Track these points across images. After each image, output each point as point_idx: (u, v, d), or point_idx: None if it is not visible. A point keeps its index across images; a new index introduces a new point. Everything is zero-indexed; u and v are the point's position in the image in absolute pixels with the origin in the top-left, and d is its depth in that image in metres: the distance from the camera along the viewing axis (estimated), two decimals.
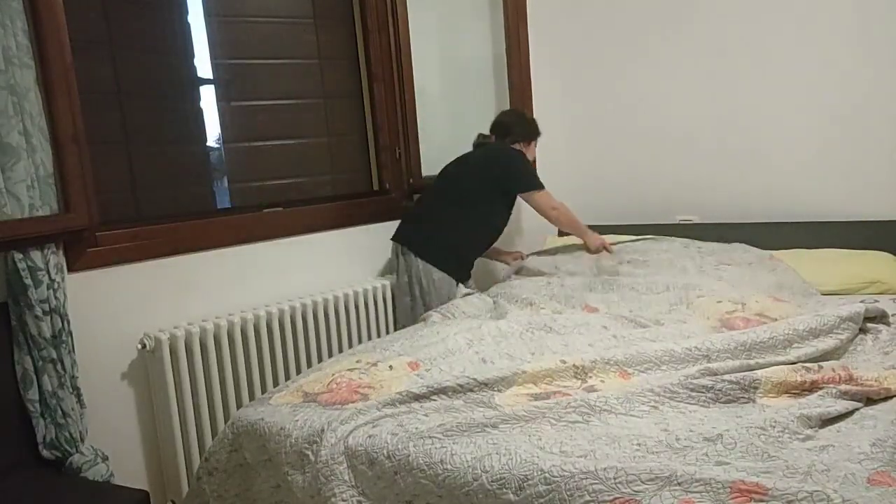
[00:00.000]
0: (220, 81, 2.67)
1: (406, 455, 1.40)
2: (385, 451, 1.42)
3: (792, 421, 1.38)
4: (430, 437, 1.42)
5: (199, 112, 2.66)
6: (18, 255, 1.74)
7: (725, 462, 1.27)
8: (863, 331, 1.90)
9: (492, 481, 1.29)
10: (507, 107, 3.21)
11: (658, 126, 3.17)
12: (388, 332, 2.80)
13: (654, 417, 1.47)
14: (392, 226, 2.94)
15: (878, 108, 2.68)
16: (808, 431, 1.37)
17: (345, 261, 2.79)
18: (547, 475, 1.25)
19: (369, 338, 2.73)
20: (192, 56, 2.61)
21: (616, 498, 1.18)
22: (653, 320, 2.16)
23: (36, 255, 1.77)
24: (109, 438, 2.01)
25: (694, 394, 1.52)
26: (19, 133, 1.73)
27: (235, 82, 2.69)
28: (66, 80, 1.87)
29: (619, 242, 2.89)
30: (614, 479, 1.20)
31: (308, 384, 1.79)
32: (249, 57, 2.72)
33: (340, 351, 2.61)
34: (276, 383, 2.37)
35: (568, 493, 1.21)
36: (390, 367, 1.83)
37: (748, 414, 1.44)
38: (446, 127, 3.23)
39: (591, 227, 3.18)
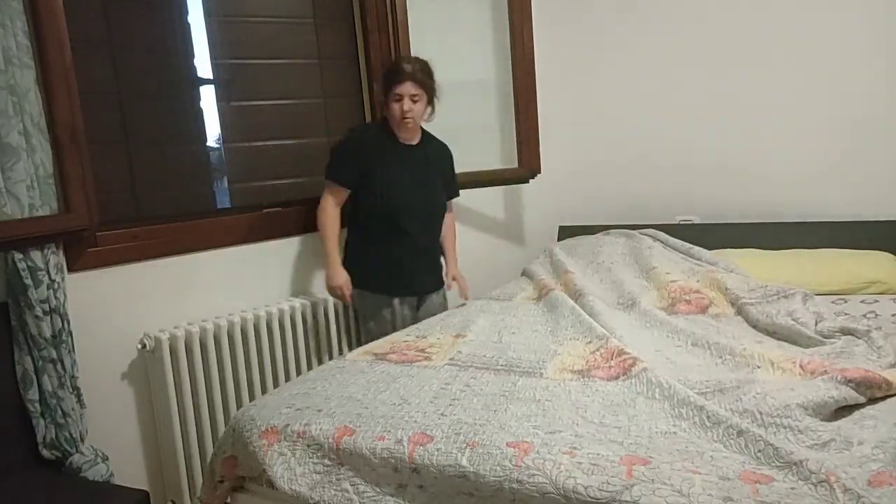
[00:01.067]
0: (220, 81, 2.67)
1: None
2: None
3: (791, 412, 1.39)
4: None
5: (199, 112, 2.65)
6: (18, 255, 1.74)
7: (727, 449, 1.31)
8: (856, 335, 1.91)
9: None
10: (510, 107, 3.18)
11: (658, 126, 3.17)
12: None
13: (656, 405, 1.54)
14: None
15: (879, 107, 2.68)
16: (808, 421, 1.38)
17: None
18: None
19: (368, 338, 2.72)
20: (192, 56, 2.61)
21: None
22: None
23: (36, 255, 1.77)
24: (109, 438, 2.01)
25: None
26: (19, 133, 1.73)
27: (235, 82, 2.68)
28: (66, 80, 1.87)
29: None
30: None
31: (374, 349, 2.09)
32: (249, 57, 2.71)
33: (341, 352, 2.61)
34: (276, 383, 2.37)
35: None
36: (438, 338, 2.15)
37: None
38: (446, 127, 3.23)
39: (592, 227, 3.18)
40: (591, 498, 1.20)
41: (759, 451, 1.27)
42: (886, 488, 1.13)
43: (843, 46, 2.71)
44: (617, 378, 1.68)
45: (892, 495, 1.12)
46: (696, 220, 3.06)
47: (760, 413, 1.41)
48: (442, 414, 1.54)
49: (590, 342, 1.97)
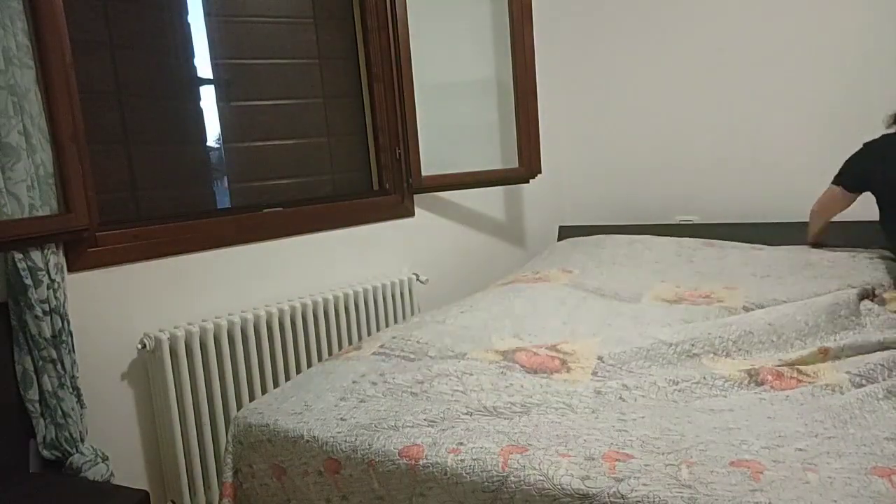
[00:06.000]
0: (220, 81, 2.67)
1: None
2: None
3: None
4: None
5: (199, 112, 2.66)
6: (18, 255, 1.74)
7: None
8: (857, 314, 1.91)
9: None
10: (511, 108, 3.19)
11: (658, 126, 3.17)
12: None
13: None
14: (393, 225, 2.94)
15: (879, 107, 2.68)
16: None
17: (344, 261, 2.78)
18: None
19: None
20: (192, 56, 2.61)
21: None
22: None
23: (36, 255, 1.77)
24: (109, 438, 2.01)
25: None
26: (19, 133, 1.73)
27: (235, 82, 2.69)
28: (66, 80, 1.87)
29: None
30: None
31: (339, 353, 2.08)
32: (249, 57, 2.72)
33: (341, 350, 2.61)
34: (276, 383, 2.37)
35: None
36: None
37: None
38: (446, 127, 3.23)
39: (592, 227, 3.19)
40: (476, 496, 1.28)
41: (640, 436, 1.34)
42: (739, 470, 1.18)
43: (846, 46, 2.71)
44: (536, 373, 1.69)
45: (739, 478, 1.16)
46: (696, 220, 3.06)
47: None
48: (342, 419, 1.54)
49: (531, 334, 1.98)
